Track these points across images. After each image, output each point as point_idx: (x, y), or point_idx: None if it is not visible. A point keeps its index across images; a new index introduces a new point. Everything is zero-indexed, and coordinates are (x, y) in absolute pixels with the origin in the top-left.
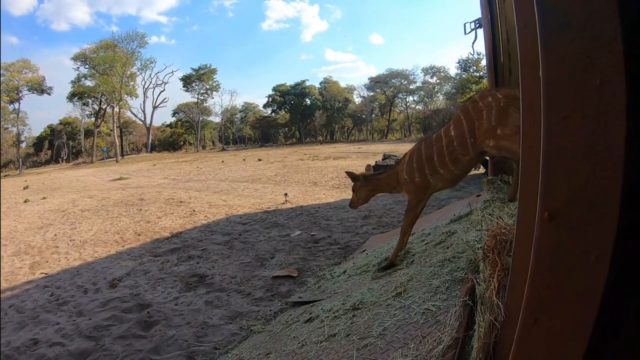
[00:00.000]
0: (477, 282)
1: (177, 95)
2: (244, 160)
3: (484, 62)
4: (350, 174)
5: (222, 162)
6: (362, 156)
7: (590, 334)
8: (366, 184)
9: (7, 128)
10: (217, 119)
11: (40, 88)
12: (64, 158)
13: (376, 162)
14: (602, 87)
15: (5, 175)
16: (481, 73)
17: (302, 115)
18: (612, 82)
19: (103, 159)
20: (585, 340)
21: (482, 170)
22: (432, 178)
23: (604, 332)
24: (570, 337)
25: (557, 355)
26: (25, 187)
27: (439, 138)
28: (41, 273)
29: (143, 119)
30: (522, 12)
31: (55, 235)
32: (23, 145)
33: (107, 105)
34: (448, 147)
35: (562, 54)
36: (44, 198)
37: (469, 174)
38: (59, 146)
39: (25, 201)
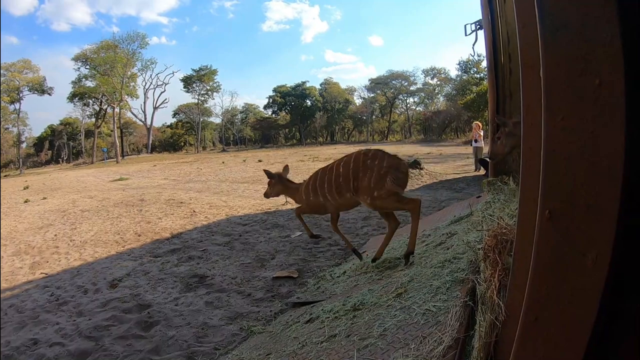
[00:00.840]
0: (477, 282)
1: (178, 96)
2: (244, 161)
3: (484, 64)
4: (267, 172)
5: (223, 163)
6: None
7: (591, 333)
8: (279, 183)
9: (8, 128)
10: (218, 120)
11: (41, 88)
12: (65, 158)
13: None
14: (601, 88)
15: (5, 176)
16: (481, 74)
17: (303, 117)
18: (610, 83)
19: (103, 160)
20: (585, 339)
21: (482, 171)
22: (323, 200)
23: (604, 332)
24: (571, 337)
25: (558, 355)
26: (26, 187)
27: (331, 170)
28: (41, 273)
29: (143, 120)
30: (522, 12)
31: (55, 235)
32: (23, 145)
33: (108, 106)
34: (336, 180)
35: (560, 55)
36: (44, 198)
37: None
38: (59, 146)
39: (25, 201)
